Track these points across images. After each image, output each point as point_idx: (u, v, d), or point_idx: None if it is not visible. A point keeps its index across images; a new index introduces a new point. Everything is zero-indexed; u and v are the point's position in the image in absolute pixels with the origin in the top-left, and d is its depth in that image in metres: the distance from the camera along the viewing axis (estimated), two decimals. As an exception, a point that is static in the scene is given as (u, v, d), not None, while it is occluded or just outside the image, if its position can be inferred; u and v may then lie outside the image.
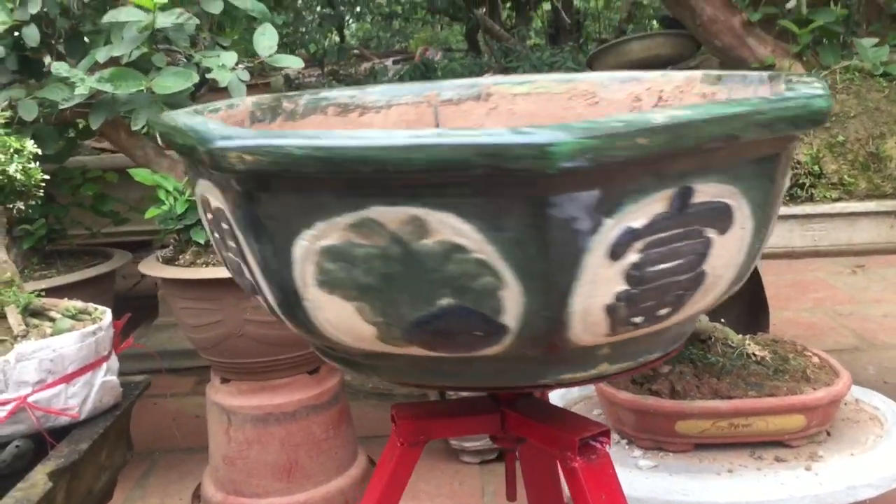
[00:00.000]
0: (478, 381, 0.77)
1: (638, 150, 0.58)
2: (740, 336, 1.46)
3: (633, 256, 0.64)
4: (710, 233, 0.67)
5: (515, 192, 0.60)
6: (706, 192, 0.65)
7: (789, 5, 2.06)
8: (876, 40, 1.65)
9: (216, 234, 0.76)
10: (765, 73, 0.97)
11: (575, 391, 1.55)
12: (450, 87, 1.09)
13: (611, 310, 0.66)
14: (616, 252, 0.63)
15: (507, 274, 0.63)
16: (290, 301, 0.70)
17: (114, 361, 1.31)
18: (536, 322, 0.66)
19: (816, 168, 1.55)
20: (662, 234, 0.64)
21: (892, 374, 2.16)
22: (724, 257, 0.69)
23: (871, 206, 1.51)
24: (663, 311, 0.70)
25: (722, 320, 1.49)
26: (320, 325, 0.71)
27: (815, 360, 1.45)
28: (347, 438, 1.72)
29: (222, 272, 1.52)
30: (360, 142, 0.58)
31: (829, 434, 1.39)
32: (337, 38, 7.42)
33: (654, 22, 6.66)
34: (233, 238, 0.72)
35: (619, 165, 0.59)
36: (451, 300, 0.64)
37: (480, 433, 0.99)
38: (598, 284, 0.64)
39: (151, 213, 1.58)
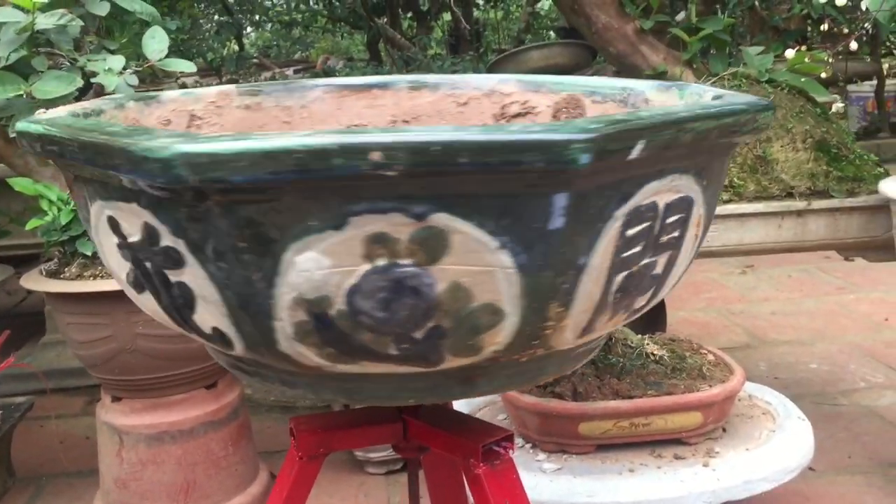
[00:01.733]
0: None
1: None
2: (639, 336, 1.48)
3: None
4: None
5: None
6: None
7: (679, 17, 2.12)
8: (761, 49, 1.71)
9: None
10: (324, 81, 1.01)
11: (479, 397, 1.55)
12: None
13: None
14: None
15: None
16: None
17: (-9, 382, 1.23)
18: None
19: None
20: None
21: (783, 370, 2.24)
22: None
23: (759, 207, 1.56)
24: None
25: (621, 322, 1.52)
26: None
27: (711, 357, 1.49)
28: (248, 454, 1.66)
29: (111, 285, 1.45)
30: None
31: (724, 430, 1.43)
32: (236, 47, 7.27)
33: (552, 32, 6.80)
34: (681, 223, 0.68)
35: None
36: None
37: (382, 443, 0.97)
38: None
39: (33, 223, 1.49)
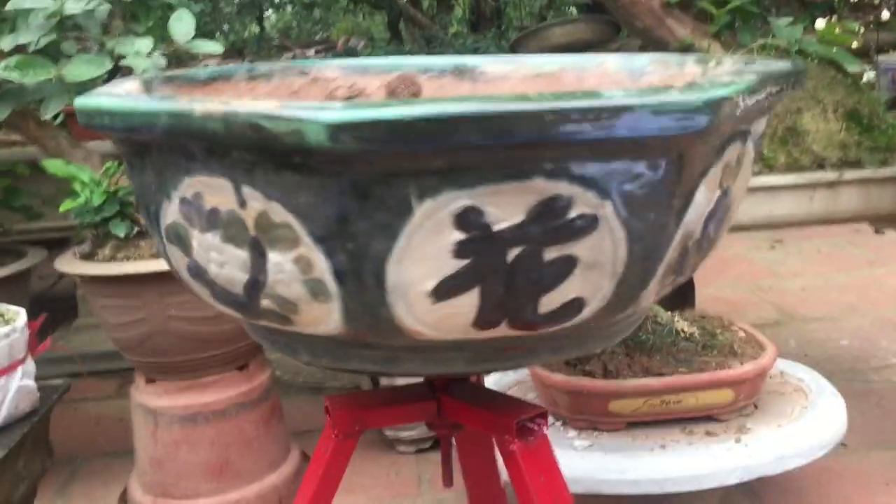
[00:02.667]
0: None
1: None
2: (669, 313, 1.47)
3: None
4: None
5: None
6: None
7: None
8: (790, 19, 1.69)
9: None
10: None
11: (510, 375, 1.55)
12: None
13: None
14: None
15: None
16: None
17: (30, 365, 1.25)
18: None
19: (738, 146, 1.58)
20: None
21: (813, 347, 2.22)
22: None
23: (790, 179, 1.55)
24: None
25: (651, 298, 1.51)
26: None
27: (742, 334, 1.48)
28: (279, 434, 1.68)
29: (144, 267, 1.47)
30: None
31: (756, 407, 1.42)
32: (257, 29, 7.27)
33: (573, 9, 6.73)
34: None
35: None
36: None
37: (417, 421, 0.97)
38: None
39: (66, 205, 1.51)
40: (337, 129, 0.54)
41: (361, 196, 0.59)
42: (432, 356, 0.72)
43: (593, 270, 0.62)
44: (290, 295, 0.65)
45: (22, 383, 1.20)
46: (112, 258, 1.53)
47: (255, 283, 0.66)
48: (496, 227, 0.60)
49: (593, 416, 1.37)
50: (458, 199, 0.58)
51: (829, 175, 1.59)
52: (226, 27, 6.39)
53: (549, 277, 0.63)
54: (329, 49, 6.42)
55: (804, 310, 2.51)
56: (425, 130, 0.55)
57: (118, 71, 1.65)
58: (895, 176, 1.60)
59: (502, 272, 0.62)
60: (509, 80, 1.00)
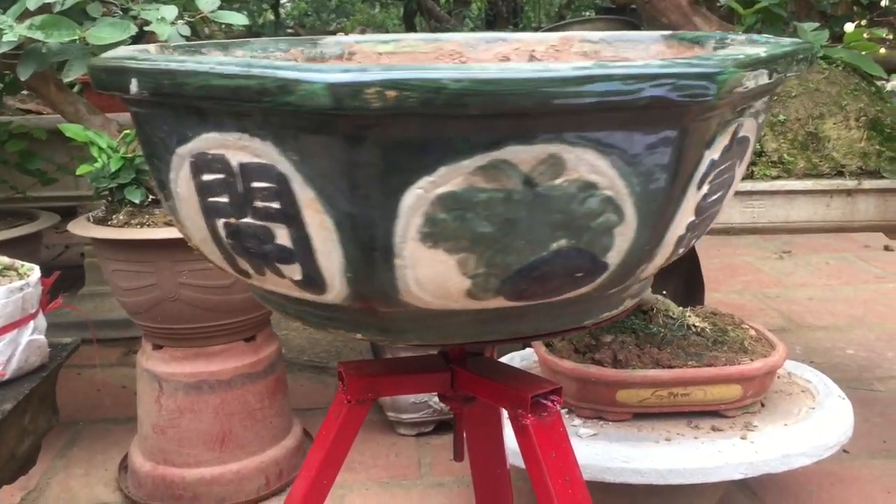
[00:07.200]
0: (532, 328, 0.75)
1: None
2: (681, 308, 1.47)
3: (705, 188, 0.69)
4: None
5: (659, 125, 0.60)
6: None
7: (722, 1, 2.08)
8: (816, 24, 1.68)
9: (220, 198, 0.65)
10: (659, 33, 0.99)
11: (516, 359, 1.55)
12: (315, 45, 1.06)
13: (680, 240, 0.70)
14: (700, 183, 0.67)
15: (630, 210, 0.63)
16: (372, 262, 0.62)
17: (41, 320, 1.25)
18: (635, 256, 0.66)
19: (758, 146, 1.57)
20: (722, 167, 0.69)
21: (819, 355, 2.22)
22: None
23: (808, 184, 1.54)
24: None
25: (664, 292, 1.51)
26: (405, 286, 0.64)
27: (752, 332, 1.47)
28: (283, 408, 1.68)
29: (158, 233, 1.47)
30: (515, 74, 0.54)
31: (763, 405, 1.42)
32: (271, 16, 7.27)
33: (592, 11, 6.72)
34: (276, 197, 0.62)
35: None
36: (566, 242, 0.63)
37: (430, 392, 0.97)
38: (685, 214, 0.68)
39: (83, 169, 1.51)
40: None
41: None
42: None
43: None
44: None
45: (33, 337, 1.20)
46: (126, 224, 1.53)
47: None
48: None
49: (600, 405, 1.37)
50: None
51: (848, 183, 1.58)
52: (243, 11, 6.39)
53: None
54: (344, 39, 6.41)
55: (811, 319, 2.51)
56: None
57: (142, 37, 1.65)
58: (913, 187, 1.60)
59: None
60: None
